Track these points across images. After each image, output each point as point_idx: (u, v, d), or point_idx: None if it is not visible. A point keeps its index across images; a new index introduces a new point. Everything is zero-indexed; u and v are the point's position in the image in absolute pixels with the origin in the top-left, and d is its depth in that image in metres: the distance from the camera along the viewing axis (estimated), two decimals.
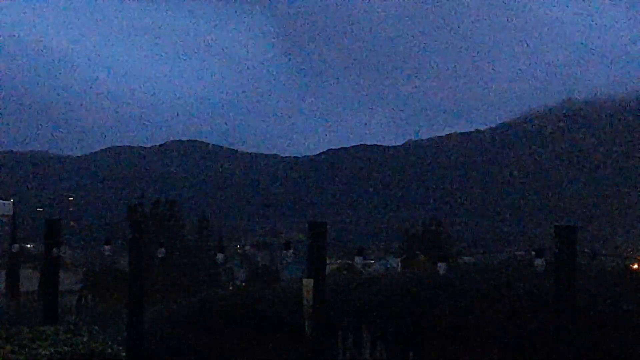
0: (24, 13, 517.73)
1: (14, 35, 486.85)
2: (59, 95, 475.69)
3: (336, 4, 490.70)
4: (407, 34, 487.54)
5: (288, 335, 13.71)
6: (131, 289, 14.81)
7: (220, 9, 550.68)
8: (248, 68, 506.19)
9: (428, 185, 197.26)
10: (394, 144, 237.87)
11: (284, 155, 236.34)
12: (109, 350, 12.77)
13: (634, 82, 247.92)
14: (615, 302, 12.39)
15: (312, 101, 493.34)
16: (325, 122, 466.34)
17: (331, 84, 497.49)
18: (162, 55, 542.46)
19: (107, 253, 17.44)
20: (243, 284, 50.79)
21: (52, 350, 12.37)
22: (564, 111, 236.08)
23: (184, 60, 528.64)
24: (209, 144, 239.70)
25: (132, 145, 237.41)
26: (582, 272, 11.94)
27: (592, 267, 14.24)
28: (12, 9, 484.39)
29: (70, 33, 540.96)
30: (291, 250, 14.17)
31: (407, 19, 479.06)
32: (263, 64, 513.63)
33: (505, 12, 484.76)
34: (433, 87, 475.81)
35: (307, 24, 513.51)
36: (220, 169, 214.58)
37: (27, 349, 12.41)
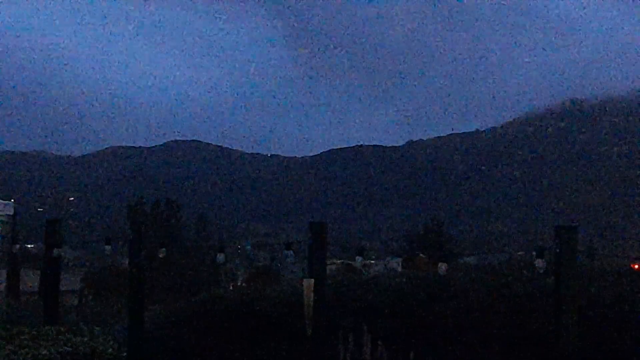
0: (24, 12, 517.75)
1: (14, 35, 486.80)
2: (59, 95, 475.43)
3: (337, 4, 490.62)
4: (408, 35, 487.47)
5: (288, 335, 13.72)
6: (131, 289, 14.82)
7: (222, 8, 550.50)
8: (248, 68, 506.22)
9: (428, 185, 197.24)
10: (394, 144, 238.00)
11: (284, 155, 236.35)
12: (110, 350, 12.78)
13: (634, 82, 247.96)
14: (615, 302, 12.41)
15: (312, 101, 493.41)
16: (325, 122, 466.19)
17: (331, 84, 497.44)
18: (162, 55, 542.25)
19: (107, 253, 17.45)
20: (243, 284, 50.84)
21: (53, 350, 12.38)
22: (565, 111, 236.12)
23: (185, 59, 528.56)
24: (209, 144, 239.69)
25: (132, 145, 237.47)
26: (582, 272, 11.95)
27: (592, 267, 14.26)
28: (12, 8, 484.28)
29: (71, 33, 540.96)
30: (291, 250, 14.19)
31: (408, 19, 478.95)
32: (263, 64, 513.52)
33: (506, 13, 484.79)
34: (434, 87, 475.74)
35: (309, 25, 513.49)
36: (220, 169, 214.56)
37: (28, 349, 12.42)
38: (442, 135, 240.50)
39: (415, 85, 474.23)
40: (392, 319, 13.37)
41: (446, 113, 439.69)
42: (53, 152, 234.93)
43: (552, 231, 11.03)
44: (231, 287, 37.00)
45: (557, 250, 10.75)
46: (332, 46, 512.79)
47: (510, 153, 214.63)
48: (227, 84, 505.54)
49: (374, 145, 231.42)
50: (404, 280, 14.69)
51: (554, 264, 10.97)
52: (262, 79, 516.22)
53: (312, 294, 12.55)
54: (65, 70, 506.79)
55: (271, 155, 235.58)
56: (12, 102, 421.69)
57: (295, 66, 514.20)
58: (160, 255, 16.09)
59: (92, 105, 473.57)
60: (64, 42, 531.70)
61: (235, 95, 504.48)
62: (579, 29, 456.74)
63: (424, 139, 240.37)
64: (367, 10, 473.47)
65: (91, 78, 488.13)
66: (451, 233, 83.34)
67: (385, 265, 60.27)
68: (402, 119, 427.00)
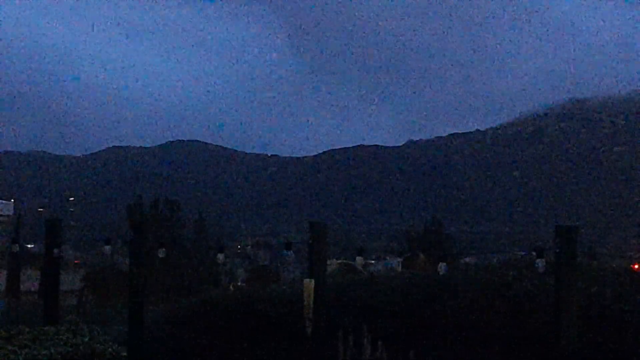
0: (23, 12, 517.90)
1: (14, 35, 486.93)
2: (59, 95, 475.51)
3: (337, 4, 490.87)
4: (408, 34, 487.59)
5: (288, 335, 13.72)
6: (131, 289, 14.81)
7: (222, 7, 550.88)
8: (248, 68, 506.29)
9: (428, 185, 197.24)
10: (394, 144, 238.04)
11: (284, 155, 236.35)
12: (110, 350, 12.77)
13: (635, 82, 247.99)
14: (615, 302, 12.41)
15: (312, 101, 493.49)
16: (325, 122, 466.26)
17: (331, 84, 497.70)
18: (162, 55, 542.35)
19: (107, 253, 17.46)
20: (243, 284, 50.84)
21: (53, 350, 12.37)
22: (565, 111, 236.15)
23: (185, 59, 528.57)
24: (209, 144, 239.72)
25: (132, 145, 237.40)
26: (582, 272, 11.96)
27: (592, 267, 14.26)
28: (12, 7, 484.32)
29: (70, 32, 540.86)
30: (291, 250, 14.20)
31: (408, 19, 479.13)
32: (263, 64, 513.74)
33: (506, 13, 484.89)
34: (434, 87, 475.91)
35: (309, 25, 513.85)
36: (220, 169, 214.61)
37: (27, 349, 12.41)
38: (442, 135, 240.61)
39: (415, 85, 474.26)
40: (392, 319, 13.37)
41: (446, 113, 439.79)
42: (53, 152, 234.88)
43: (552, 231, 11.03)
44: (231, 287, 37.00)
45: (557, 250, 10.76)
46: (332, 46, 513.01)
47: (510, 153, 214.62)
48: (227, 84, 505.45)
49: (374, 145, 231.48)
50: (404, 280, 14.70)
51: (554, 264, 10.98)
52: (262, 79, 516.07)
53: (312, 294, 12.55)
54: (66, 70, 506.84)
55: (271, 155, 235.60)
56: (12, 102, 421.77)
57: (295, 66, 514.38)
58: (160, 255, 16.08)
59: (92, 105, 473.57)
60: (64, 42, 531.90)
61: (235, 95, 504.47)
62: (579, 29, 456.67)
63: (424, 139, 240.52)
64: (367, 9, 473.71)
65: (91, 78, 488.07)
66: (451, 233, 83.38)
67: (385, 265, 60.29)
68: (402, 119, 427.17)
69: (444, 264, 12.54)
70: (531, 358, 12.19)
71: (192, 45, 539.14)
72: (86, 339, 13.06)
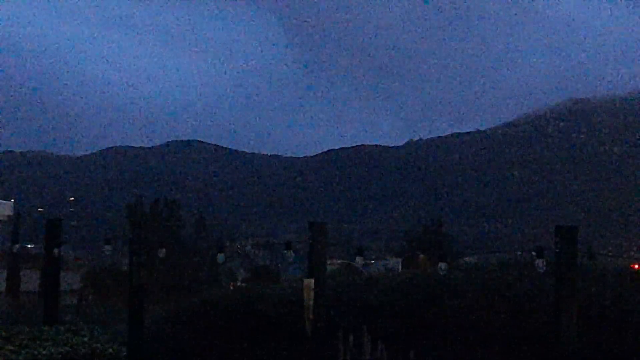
0: (24, 11, 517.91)
1: (14, 34, 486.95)
2: (59, 95, 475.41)
3: (337, 4, 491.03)
4: (409, 34, 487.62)
5: (288, 335, 13.71)
6: (131, 289, 14.81)
7: (222, 7, 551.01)
8: (248, 68, 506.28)
9: (428, 185, 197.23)
10: (394, 144, 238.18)
11: (284, 155, 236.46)
12: (110, 350, 12.79)
13: (634, 82, 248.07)
14: (615, 302, 12.41)
15: (312, 101, 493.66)
16: (325, 122, 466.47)
17: (332, 84, 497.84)
18: (162, 54, 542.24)
19: (107, 253, 17.45)
20: (243, 284, 50.87)
21: (53, 350, 12.39)
22: (565, 111, 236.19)
23: (184, 59, 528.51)
24: (209, 144, 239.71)
25: (132, 145, 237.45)
26: (582, 272, 11.96)
27: (592, 267, 14.26)
28: (12, 7, 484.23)
29: (70, 32, 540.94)
30: (291, 250, 14.20)
31: (408, 19, 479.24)
32: (263, 64, 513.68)
33: (506, 13, 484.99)
34: (434, 87, 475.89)
35: (309, 24, 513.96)
36: (220, 169, 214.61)
37: (27, 349, 12.43)
38: (442, 135, 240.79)
39: (415, 85, 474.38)
40: (392, 319, 13.36)
41: (446, 113, 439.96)
42: (53, 152, 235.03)
43: (552, 231, 11.04)
44: (231, 287, 37.01)
45: (557, 250, 10.76)
46: (332, 46, 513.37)
47: (510, 153, 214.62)
48: (227, 84, 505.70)
49: (374, 145, 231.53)
50: (404, 280, 14.69)
51: (554, 264, 10.98)
52: (262, 79, 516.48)
53: (312, 294, 12.56)
54: (65, 70, 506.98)
55: (271, 155, 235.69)
56: (12, 102, 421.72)
57: (295, 66, 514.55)
58: (160, 255, 16.05)
59: (92, 106, 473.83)
60: (64, 42, 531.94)
61: (235, 95, 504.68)
62: (579, 29, 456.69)
63: (424, 139, 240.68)
64: (367, 9, 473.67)
65: (91, 78, 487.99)
66: (451, 233, 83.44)
67: (385, 265, 60.31)
68: (402, 119, 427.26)
69: (444, 263, 12.52)
70: (531, 358, 12.18)
71: (192, 45, 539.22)
72: (86, 339, 13.07)
